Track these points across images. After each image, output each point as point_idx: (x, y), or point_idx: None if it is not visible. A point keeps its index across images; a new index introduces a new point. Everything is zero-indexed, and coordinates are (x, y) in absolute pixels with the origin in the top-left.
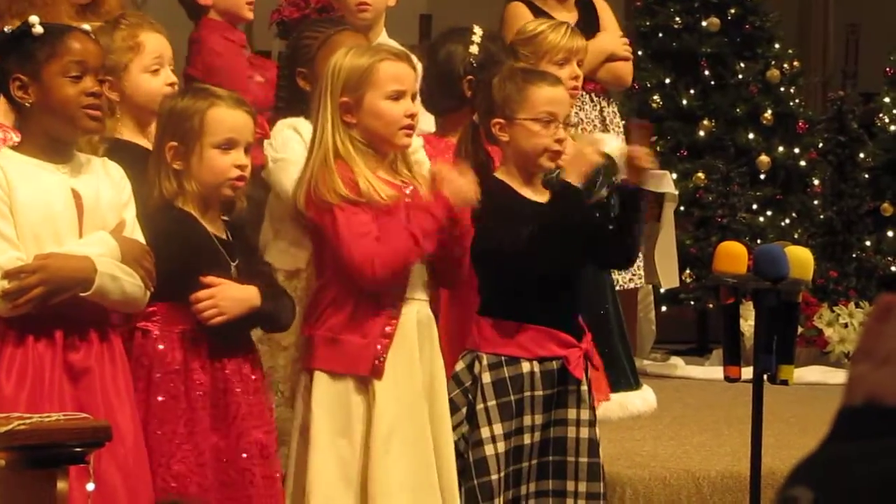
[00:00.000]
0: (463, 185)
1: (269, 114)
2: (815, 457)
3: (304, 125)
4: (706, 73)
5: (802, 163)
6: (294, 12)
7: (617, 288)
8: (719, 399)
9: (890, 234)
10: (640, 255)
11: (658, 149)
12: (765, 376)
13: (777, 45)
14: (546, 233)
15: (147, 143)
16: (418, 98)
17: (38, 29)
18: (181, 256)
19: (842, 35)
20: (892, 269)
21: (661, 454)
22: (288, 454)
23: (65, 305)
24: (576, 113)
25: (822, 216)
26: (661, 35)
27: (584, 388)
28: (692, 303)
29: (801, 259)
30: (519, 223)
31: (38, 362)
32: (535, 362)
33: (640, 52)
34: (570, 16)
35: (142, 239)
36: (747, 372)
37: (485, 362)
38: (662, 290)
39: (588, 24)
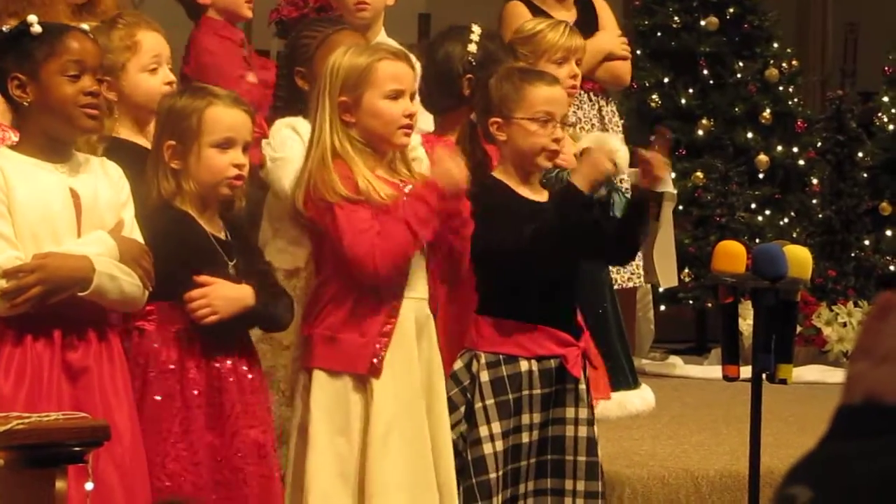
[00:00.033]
0: (451, 167)
1: (267, 113)
2: (813, 455)
3: (302, 124)
4: (705, 72)
5: (801, 162)
6: (293, 11)
7: (615, 287)
8: (718, 398)
9: (888, 233)
10: (639, 254)
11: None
12: (763, 375)
13: (776, 45)
14: (547, 232)
15: (145, 143)
16: (417, 97)
17: (37, 28)
18: (179, 256)
19: (840, 34)
20: (891, 267)
21: (659, 453)
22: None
23: (63, 305)
24: (574, 112)
25: (820, 215)
26: (659, 34)
27: (583, 386)
28: (691, 302)
29: (799, 258)
30: (517, 222)
31: (36, 362)
32: (533, 361)
33: (638, 52)
34: (569, 15)
35: (140, 238)
36: (746, 371)
37: (483, 361)
38: (661, 290)
39: (587, 23)
